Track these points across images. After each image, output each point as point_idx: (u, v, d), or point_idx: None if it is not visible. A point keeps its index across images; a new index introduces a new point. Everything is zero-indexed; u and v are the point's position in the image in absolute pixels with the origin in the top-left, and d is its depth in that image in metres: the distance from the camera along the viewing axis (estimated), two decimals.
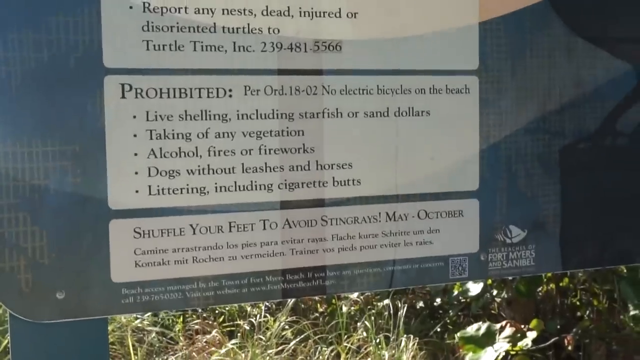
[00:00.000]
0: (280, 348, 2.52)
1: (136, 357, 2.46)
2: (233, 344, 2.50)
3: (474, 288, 2.35)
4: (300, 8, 1.04)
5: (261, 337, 2.57)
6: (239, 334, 2.63)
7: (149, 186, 0.99)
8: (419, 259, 1.14)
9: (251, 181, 1.04)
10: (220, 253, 1.03)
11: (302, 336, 2.57)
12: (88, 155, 0.96)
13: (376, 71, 1.09)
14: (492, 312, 2.59)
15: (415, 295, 2.92)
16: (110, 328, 2.50)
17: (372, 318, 2.61)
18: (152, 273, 1.00)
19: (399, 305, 2.68)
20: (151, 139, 0.98)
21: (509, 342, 1.99)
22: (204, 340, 2.60)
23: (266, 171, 1.04)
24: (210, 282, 1.03)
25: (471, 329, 2.05)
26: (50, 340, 0.97)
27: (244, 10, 1.01)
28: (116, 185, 0.97)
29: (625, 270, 2.17)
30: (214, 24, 1.00)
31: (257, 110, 1.03)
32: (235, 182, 1.03)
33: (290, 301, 2.75)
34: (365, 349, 2.51)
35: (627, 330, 2.27)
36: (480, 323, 2.06)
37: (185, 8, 0.99)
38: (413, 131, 1.11)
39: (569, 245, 1.22)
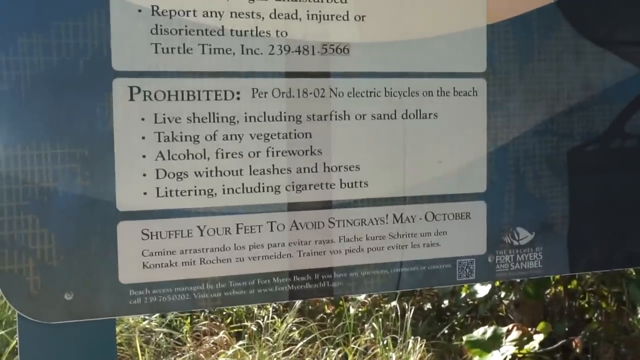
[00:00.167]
0: (287, 349, 2.52)
1: (144, 358, 2.47)
2: (240, 345, 2.50)
3: (482, 290, 2.34)
4: (308, 11, 1.04)
5: (268, 338, 2.58)
6: (246, 335, 2.63)
7: (157, 188, 0.99)
8: (426, 260, 1.14)
9: (259, 183, 1.04)
10: (227, 254, 1.03)
11: (310, 337, 2.57)
12: (96, 157, 0.96)
13: (384, 74, 1.09)
14: (500, 314, 2.58)
15: (422, 297, 2.92)
16: (118, 329, 2.51)
17: (380, 320, 2.61)
18: (159, 274, 1.00)
19: (407, 307, 2.68)
20: (159, 141, 0.99)
21: (515, 345, 1.99)
22: (212, 341, 2.60)
23: (274, 173, 1.04)
24: (218, 284, 1.03)
25: (477, 333, 2.04)
26: (58, 341, 0.98)
27: (252, 13, 1.02)
28: (124, 187, 0.98)
29: (633, 273, 2.16)
30: (222, 27, 1.01)
31: (264, 113, 1.03)
32: (243, 184, 1.03)
33: (298, 303, 2.75)
34: (373, 350, 2.50)
35: (635, 333, 2.26)
36: (487, 327, 2.06)
37: (194, 11, 0.99)
38: (420, 133, 1.11)
39: (576, 248, 1.22)
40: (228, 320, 2.84)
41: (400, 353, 2.44)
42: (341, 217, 1.08)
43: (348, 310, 2.72)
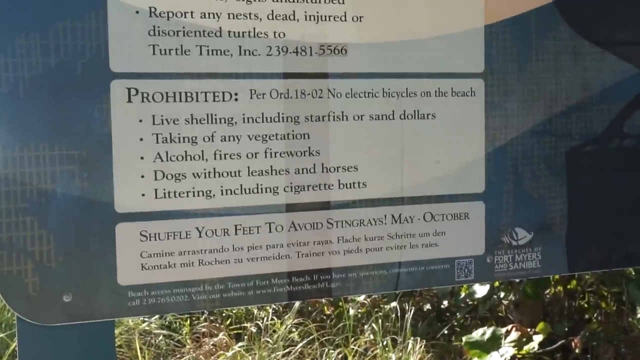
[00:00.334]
0: (287, 350, 2.52)
1: None
2: (240, 347, 2.50)
3: (481, 290, 2.34)
4: (305, 12, 1.05)
5: (268, 339, 2.57)
6: (245, 337, 2.63)
7: (155, 189, 0.99)
8: (425, 261, 1.14)
9: (257, 184, 1.04)
10: (226, 256, 1.03)
11: (309, 339, 2.57)
12: (95, 159, 0.96)
13: (381, 74, 1.09)
14: (500, 314, 2.58)
15: (422, 297, 2.92)
16: (117, 331, 2.51)
17: (379, 321, 2.60)
18: (158, 276, 1.00)
19: (406, 307, 2.68)
20: (157, 142, 0.99)
21: (514, 346, 1.99)
22: (211, 343, 2.60)
23: (272, 174, 1.04)
24: (216, 285, 1.03)
25: (476, 334, 2.04)
26: (57, 343, 0.98)
27: (250, 14, 1.02)
28: (122, 189, 0.98)
29: (633, 273, 2.16)
30: (220, 28, 1.01)
31: (262, 114, 1.03)
32: (241, 185, 1.03)
33: (297, 304, 2.75)
34: (372, 351, 2.50)
35: (635, 333, 2.26)
36: (486, 328, 2.05)
37: (191, 12, 0.99)
38: (419, 134, 1.11)
39: (575, 248, 1.22)
40: (228, 322, 2.84)
41: (400, 354, 2.44)
42: (339, 217, 1.09)
43: (348, 311, 2.72)
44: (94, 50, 0.95)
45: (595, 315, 2.46)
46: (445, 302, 2.76)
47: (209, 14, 1.00)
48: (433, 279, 1.15)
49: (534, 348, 2.02)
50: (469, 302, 2.59)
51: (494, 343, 1.99)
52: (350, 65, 1.07)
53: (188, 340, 2.69)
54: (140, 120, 0.98)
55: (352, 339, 2.57)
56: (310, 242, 1.07)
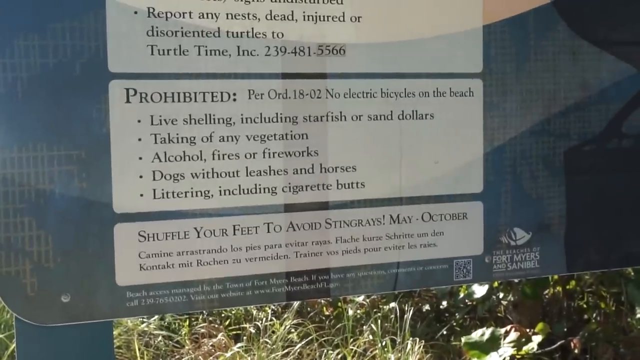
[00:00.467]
0: (286, 351, 2.52)
1: None
2: (239, 347, 2.50)
3: (479, 290, 2.34)
4: (304, 12, 1.05)
5: (267, 340, 2.58)
6: (244, 338, 2.63)
7: (154, 190, 0.99)
8: (423, 261, 1.14)
9: (255, 184, 1.04)
10: (224, 256, 1.03)
11: (308, 339, 2.57)
12: (93, 159, 0.96)
13: (380, 74, 1.09)
14: (499, 314, 2.58)
15: (421, 298, 2.92)
16: (116, 332, 2.51)
17: (378, 321, 2.60)
18: (156, 276, 1.00)
19: (405, 308, 2.68)
20: (156, 143, 0.99)
21: (513, 346, 1.99)
22: (210, 343, 2.60)
23: (270, 174, 1.04)
24: (215, 285, 1.03)
25: (475, 335, 2.04)
26: (56, 343, 0.98)
27: (248, 14, 1.02)
28: (121, 189, 0.98)
29: (632, 273, 2.16)
30: (218, 28, 1.01)
31: (261, 114, 1.03)
32: (240, 186, 1.03)
33: (296, 304, 2.75)
34: (372, 352, 2.50)
35: (634, 333, 2.26)
36: (485, 328, 2.06)
37: (190, 13, 0.99)
38: (417, 134, 1.11)
39: (574, 248, 1.22)
40: (227, 323, 2.84)
41: (399, 354, 2.44)
42: (338, 218, 1.09)
43: (347, 311, 2.72)
44: (92, 50, 0.95)
45: (594, 315, 2.46)
46: (444, 303, 2.76)
47: (207, 14, 1.00)
48: (431, 279, 1.15)
49: (533, 348, 2.02)
50: (468, 303, 2.59)
51: (493, 343, 1.99)
52: (349, 65, 1.07)
53: (187, 341, 2.69)
54: (139, 121, 0.98)
55: (351, 339, 2.57)
56: (309, 242, 1.07)
